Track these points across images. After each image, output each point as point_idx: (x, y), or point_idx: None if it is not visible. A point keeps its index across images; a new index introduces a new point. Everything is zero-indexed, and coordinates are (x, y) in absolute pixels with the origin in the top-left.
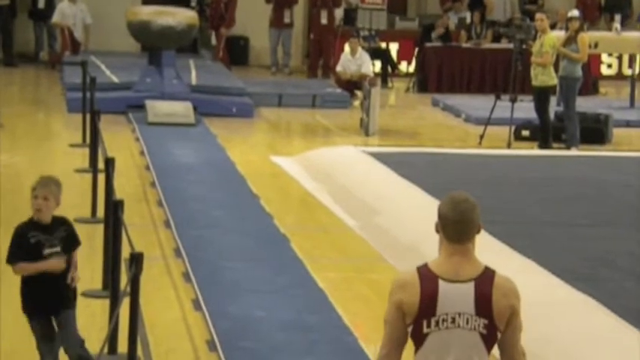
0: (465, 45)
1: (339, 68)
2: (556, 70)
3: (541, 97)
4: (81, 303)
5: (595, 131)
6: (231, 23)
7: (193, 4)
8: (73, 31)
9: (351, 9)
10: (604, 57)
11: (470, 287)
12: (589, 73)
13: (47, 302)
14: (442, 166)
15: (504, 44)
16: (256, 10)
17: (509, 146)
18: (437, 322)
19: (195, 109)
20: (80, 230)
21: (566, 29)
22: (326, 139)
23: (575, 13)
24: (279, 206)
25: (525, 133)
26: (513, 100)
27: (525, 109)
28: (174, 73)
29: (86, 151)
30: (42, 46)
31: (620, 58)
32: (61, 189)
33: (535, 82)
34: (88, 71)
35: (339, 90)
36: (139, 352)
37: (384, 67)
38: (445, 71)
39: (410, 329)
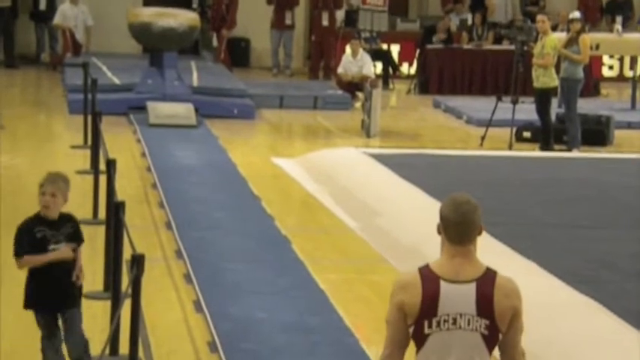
0: (466, 46)
1: (340, 70)
2: (557, 72)
3: (542, 98)
4: (82, 304)
5: (596, 133)
6: (232, 25)
7: (195, 5)
8: (75, 32)
9: (352, 10)
10: (605, 59)
11: (471, 288)
12: (590, 75)
13: (52, 298)
14: (443, 168)
15: (506, 46)
16: (257, 12)
17: (510, 148)
18: (438, 323)
19: (196, 110)
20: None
21: (568, 31)
22: (327, 140)
23: (576, 14)
24: (280, 208)
25: (527, 134)
26: (515, 102)
27: (527, 110)
28: (175, 75)
29: (87, 152)
30: (43, 48)
31: (621, 59)
32: (69, 185)
33: (536, 84)
34: (90, 73)
35: (340, 91)
36: (141, 353)
37: (385, 69)
38: (446, 73)
39: (411, 330)
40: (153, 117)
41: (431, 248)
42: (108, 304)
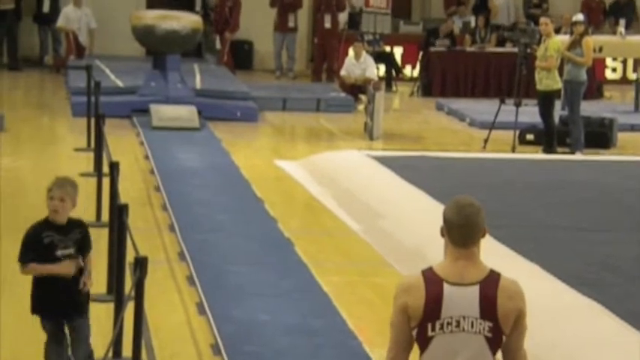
0: (469, 49)
1: (343, 72)
2: (560, 75)
3: (545, 101)
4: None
5: (600, 135)
6: (235, 27)
7: (198, 8)
8: (78, 35)
9: (355, 13)
10: (608, 61)
11: (475, 290)
12: (594, 77)
13: (58, 306)
14: (446, 170)
15: (509, 48)
16: (260, 15)
17: (513, 150)
18: (441, 326)
19: (199, 113)
20: None
21: (571, 33)
22: (330, 143)
23: (579, 17)
24: (283, 210)
25: (530, 137)
26: (518, 105)
27: (530, 113)
28: (178, 78)
29: (91, 155)
30: (47, 51)
31: (624, 62)
32: (77, 190)
33: (539, 87)
34: (93, 75)
35: (343, 94)
36: (144, 355)
37: (388, 71)
38: (449, 75)
39: (415, 332)
40: (156, 119)
41: (434, 251)
42: (111, 306)
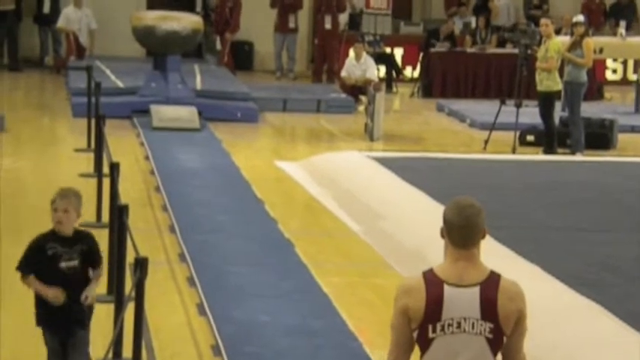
0: (469, 50)
1: (343, 73)
2: (561, 76)
3: (546, 102)
4: None
5: (600, 136)
6: (235, 28)
7: (198, 9)
8: (78, 36)
9: (355, 14)
10: (609, 62)
11: (475, 292)
12: (594, 79)
13: (60, 319)
14: (447, 171)
15: (509, 49)
16: (261, 15)
17: (514, 151)
18: (442, 327)
19: (199, 113)
20: None
21: (571, 34)
22: (330, 144)
23: (580, 18)
24: (283, 211)
25: (530, 138)
26: (518, 106)
27: (530, 114)
28: (179, 78)
29: (91, 155)
30: (47, 51)
31: (625, 63)
32: (81, 200)
33: (540, 88)
34: (93, 76)
35: (343, 95)
36: (144, 356)
37: (388, 72)
38: (450, 76)
39: (415, 334)
40: (156, 120)
41: (434, 252)
42: (111, 307)
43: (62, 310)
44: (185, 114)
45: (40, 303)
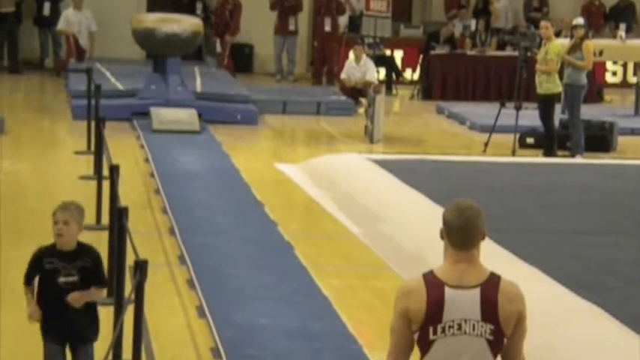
0: (469, 52)
1: (343, 75)
2: (561, 78)
3: (546, 104)
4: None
5: (600, 139)
6: (235, 31)
7: (199, 11)
8: (78, 38)
9: (355, 16)
10: (609, 65)
11: (475, 293)
12: (594, 81)
13: (59, 329)
14: (447, 174)
15: (509, 52)
16: (261, 18)
17: (513, 154)
18: (443, 329)
19: (199, 116)
20: (85, 237)
21: (571, 37)
22: (330, 146)
23: (579, 20)
24: (283, 213)
25: (530, 140)
26: (518, 108)
27: (530, 116)
28: (178, 81)
29: (91, 158)
30: (47, 53)
31: (624, 65)
32: (83, 213)
33: (540, 90)
34: (93, 78)
35: (343, 97)
36: (144, 359)
37: (388, 75)
38: (450, 79)
39: (416, 336)
40: (156, 122)
41: (434, 254)
42: (111, 309)
43: (62, 325)
44: (185, 116)
45: (43, 314)
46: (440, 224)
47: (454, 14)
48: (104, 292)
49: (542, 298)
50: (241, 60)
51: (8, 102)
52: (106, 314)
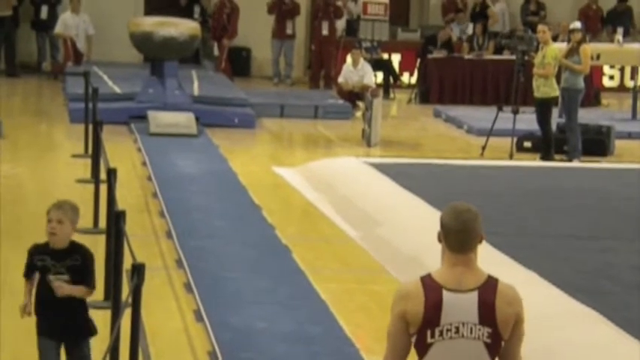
0: (467, 56)
1: (341, 79)
2: (558, 82)
3: (543, 108)
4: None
5: (597, 143)
6: (233, 34)
7: (196, 15)
8: (76, 41)
9: (353, 20)
10: (606, 69)
11: (473, 296)
12: (591, 85)
13: (51, 325)
14: (444, 178)
15: (506, 56)
16: (258, 22)
17: (511, 157)
18: (441, 332)
19: (197, 119)
20: (82, 241)
21: (568, 41)
22: (328, 149)
23: (577, 24)
24: (280, 217)
25: (527, 144)
26: (515, 112)
27: (527, 120)
28: (176, 84)
29: (88, 161)
30: (44, 57)
31: (622, 70)
32: (78, 213)
33: (537, 94)
34: (91, 82)
35: (341, 101)
36: None
37: (385, 78)
38: (447, 82)
39: (413, 339)
40: (153, 126)
41: (431, 258)
42: (108, 313)
43: (54, 322)
44: (182, 120)
45: (37, 311)
46: (437, 228)
47: (451, 18)
48: (91, 293)
49: (539, 302)
50: (239, 63)
51: (6, 105)
52: (103, 317)
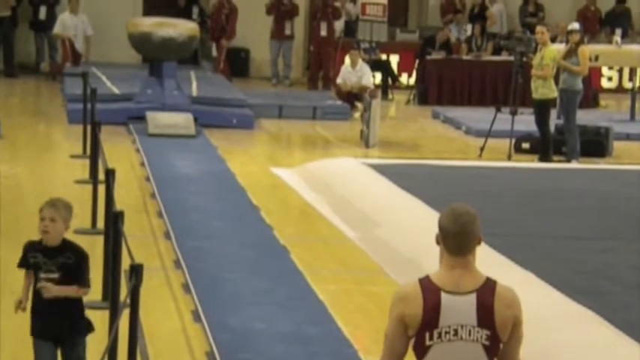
0: (465, 57)
1: (339, 80)
2: (556, 83)
3: (541, 109)
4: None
5: (595, 144)
6: (232, 35)
7: (195, 15)
8: (74, 42)
9: (351, 21)
10: (604, 70)
11: (472, 299)
12: (589, 86)
13: (44, 325)
14: (442, 179)
15: (505, 57)
16: (257, 22)
17: (509, 159)
18: (439, 335)
19: (195, 120)
20: (80, 241)
21: (567, 42)
22: (326, 150)
23: (575, 26)
24: (279, 217)
25: (526, 145)
26: (514, 113)
27: (526, 121)
28: (174, 85)
29: (86, 162)
30: (43, 57)
31: (620, 71)
32: (71, 212)
33: (535, 95)
34: (89, 82)
35: (339, 102)
36: None
37: (384, 79)
38: (446, 83)
39: (412, 342)
40: (152, 127)
41: (430, 259)
42: (106, 313)
43: (46, 321)
44: (181, 120)
45: (32, 311)
46: (435, 229)
47: (450, 19)
48: (86, 291)
49: (538, 304)
50: (237, 64)
51: (4, 106)
52: (101, 318)
